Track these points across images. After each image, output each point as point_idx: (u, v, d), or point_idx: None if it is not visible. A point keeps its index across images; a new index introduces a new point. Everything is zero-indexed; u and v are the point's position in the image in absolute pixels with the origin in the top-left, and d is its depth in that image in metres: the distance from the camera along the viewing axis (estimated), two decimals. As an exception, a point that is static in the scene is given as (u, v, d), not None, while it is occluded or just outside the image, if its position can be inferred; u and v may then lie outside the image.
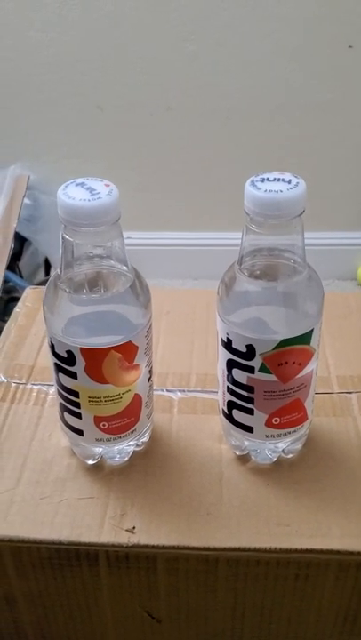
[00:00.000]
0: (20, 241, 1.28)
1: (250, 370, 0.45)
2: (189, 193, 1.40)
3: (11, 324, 0.64)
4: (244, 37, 1.22)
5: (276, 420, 0.47)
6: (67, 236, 0.42)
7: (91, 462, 0.50)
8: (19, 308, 0.66)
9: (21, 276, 1.26)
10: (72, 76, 1.27)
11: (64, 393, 0.47)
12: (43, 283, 1.25)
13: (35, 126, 1.32)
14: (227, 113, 1.30)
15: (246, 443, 0.50)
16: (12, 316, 0.65)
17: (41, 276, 1.35)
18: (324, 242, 1.39)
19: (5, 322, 0.65)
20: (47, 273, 1.35)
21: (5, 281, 1.15)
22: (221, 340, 0.46)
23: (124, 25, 1.22)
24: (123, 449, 0.50)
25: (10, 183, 1.26)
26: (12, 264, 1.22)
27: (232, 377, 0.47)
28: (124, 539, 0.45)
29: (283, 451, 0.50)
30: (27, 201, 1.27)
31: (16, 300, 1.07)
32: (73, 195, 0.41)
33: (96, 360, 0.44)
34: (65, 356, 0.44)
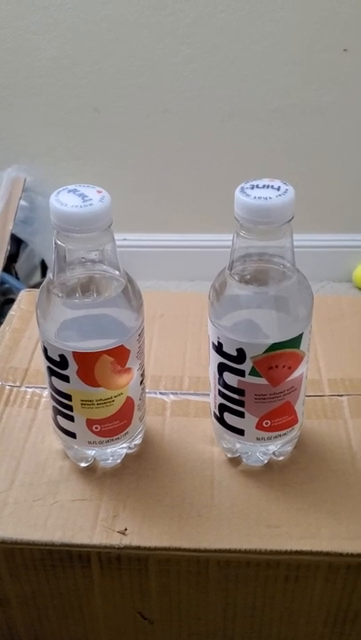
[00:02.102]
0: (17, 243, 1.28)
1: (240, 373, 0.46)
2: (186, 195, 1.40)
3: (5, 327, 0.64)
4: (239, 40, 1.23)
5: (266, 423, 0.48)
6: (59, 242, 0.43)
7: (83, 465, 0.51)
8: (13, 311, 0.67)
9: (18, 278, 1.26)
10: (69, 79, 1.28)
11: (57, 396, 0.47)
12: (39, 284, 1.24)
13: (32, 128, 1.33)
14: (223, 116, 1.31)
15: (238, 445, 0.50)
16: (7, 318, 0.66)
17: (37, 277, 1.35)
18: (320, 244, 1.40)
19: (1, 323, 0.66)
20: (43, 274, 1.35)
21: (2, 283, 1.16)
22: (213, 343, 0.47)
23: (121, 28, 1.22)
24: (115, 451, 0.50)
25: (6, 185, 1.27)
26: (9, 266, 1.23)
27: (223, 380, 0.47)
28: (116, 540, 0.46)
29: (274, 453, 0.51)
30: (23, 203, 1.27)
31: (12, 301, 1.07)
32: (65, 201, 0.41)
33: (88, 364, 0.44)
34: (57, 359, 0.45)
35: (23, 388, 0.58)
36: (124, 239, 1.38)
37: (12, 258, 1.24)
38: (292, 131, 1.31)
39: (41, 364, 0.50)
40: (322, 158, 1.34)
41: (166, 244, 1.45)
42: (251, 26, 1.21)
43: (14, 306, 0.67)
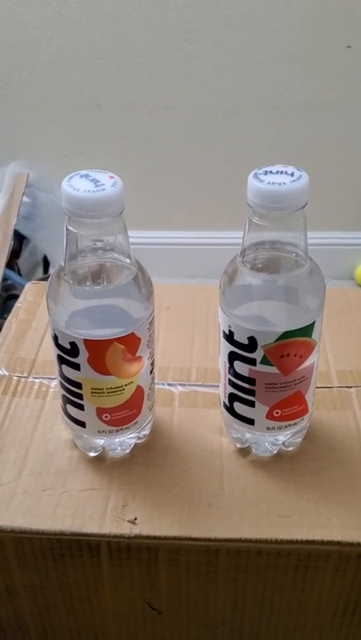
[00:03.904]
0: (19, 239, 1.28)
1: (251, 362, 0.45)
2: (188, 192, 1.40)
3: (12, 319, 0.64)
4: (242, 37, 1.23)
5: (277, 413, 0.48)
6: (70, 228, 0.42)
7: (92, 454, 0.51)
8: (20, 303, 0.66)
9: (20, 274, 1.26)
10: (71, 75, 1.27)
11: (67, 384, 0.47)
12: (41, 280, 1.25)
13: (34, 124, 1.33)
14: (225, 112, 1.31)
15: (247, 435, 0.50)
16: (13, 310, 0.65)
17: (39, 273, 1.35)
18: (322, 241, 1.40)
19: (4, 319, 0.65)
20: (46, 270, 1.35)
21: (4, 278, 1.16)
22: (223, 332, 0.47)
23: (124, 24, 1.22)
24: (124, 441, 0.50)
25: (9, 181, 1.26)
26: (11, 262, 1.22)
27: (234, 369, 0.47)
28: (125, 530, 0.45)
29: (283, 444, 0.51)
30: (25, 199, 1.27)
31: (15, 297, 1.07)
32: (77, 186, 0.41)
33: (99, 351, 0.44)
34: (68, 347, 0.45)
35: (31, 379, 0.57)
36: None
37: (14, 254, 1.24)
38: (295, 127, 1.32)
39: (49, 353, 0.50)
40: (324, 156, 1.34)
41: (168, 242, 1.45)
42: (253, 22, 1.21)
43: (20, 298, 0.67)
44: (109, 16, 1.21)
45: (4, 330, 0.63)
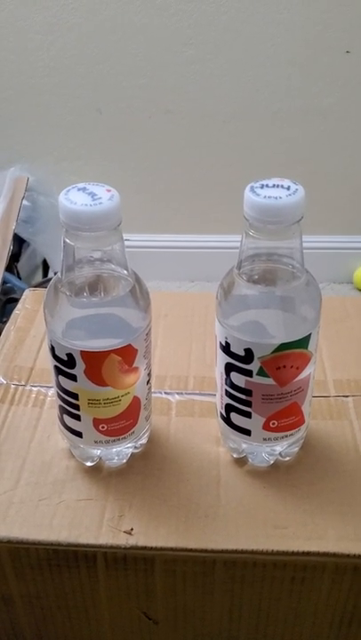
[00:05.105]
0: (19, 242, 1.28)
1: (248, 373, 0.46)
2: (187, 196, 1.40)
3: (10, 326, 0.64)
4: (242, 42, 1.23)
5: (273, 424, 0.48)
6: (68, 241, 0.42)
7: (89, 464, 0.51)
8: (18, 310, 0.66)
9: (19, 277, 1.26)
10: (71, 79, 1.28)
11: (63, 395, 0.47)
12: (41, 284, 1.25)
13: (34, 128, 1.33)
14: (225, 117, 1.31)
15: (244, 445, 0.50)
16: (12, 317, 0.65)
17: (39, 277, 1.35)
18: (321, 245, 1.40)
19: (4, 322, 0.65)
20: (45, 274, 1.35)
21: (4, 282, 1.16)
22: (220, 343, 0.47)
23: (124, 28, 1.22)
24: (121, 451, 0.50)
25: (9, 185, 1.27)
26: (11, 265, 1.23)
27: (230, 380, 0.47)
28: (122, 540, 0.45)
29: (280, 454, 0.51)
30: (25, 202, 1.27)
31: (14, 300, 1.07)
32: (75, 199, 0.41)
33: (96, 363, 0.44)
34: (65, 358, 0.45)
35: (28, 387, 0.57)
36: (126, 239, 1.38)
37: (14, 257, 1.24)
38: (294, 132, 1.32)
39: (47, 362, 0.50)
40: (323, 160, 1.34)
41: (167, 245, 1.45)
42: (253, 27, 1.22)
43: (19, 305, 0.67)
44: (109, 20, 1.21)
45: (1, 337, 0.63)
